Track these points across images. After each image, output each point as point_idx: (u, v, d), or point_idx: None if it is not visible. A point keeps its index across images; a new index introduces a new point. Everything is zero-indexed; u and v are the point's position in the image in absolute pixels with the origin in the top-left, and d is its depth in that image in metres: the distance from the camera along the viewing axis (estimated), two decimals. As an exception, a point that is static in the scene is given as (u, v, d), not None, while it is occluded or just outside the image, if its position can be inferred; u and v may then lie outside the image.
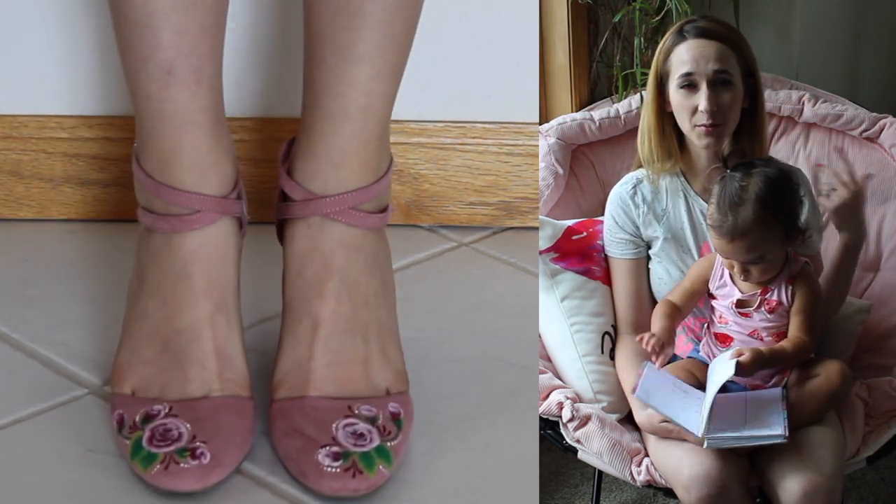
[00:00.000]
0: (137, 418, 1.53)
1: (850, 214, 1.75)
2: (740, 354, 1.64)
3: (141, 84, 1.51)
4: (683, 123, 1.75)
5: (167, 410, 1.53)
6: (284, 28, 1.92)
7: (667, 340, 1.70)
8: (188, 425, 1.51)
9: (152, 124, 1.53)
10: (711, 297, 1.74)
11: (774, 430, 1.61)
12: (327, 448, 1.50)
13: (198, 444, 1.50)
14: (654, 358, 1.69)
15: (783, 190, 1.67)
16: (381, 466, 1.49)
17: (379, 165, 1.59)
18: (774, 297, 1.70)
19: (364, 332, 1.57)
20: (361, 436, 1.51)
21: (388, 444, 1.52)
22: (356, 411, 1.54)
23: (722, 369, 1.64)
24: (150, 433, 1.51)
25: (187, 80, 1.50)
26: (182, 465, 1.48)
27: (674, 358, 1.82)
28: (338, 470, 1.48)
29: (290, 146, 1.61)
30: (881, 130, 2.08)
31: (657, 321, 1.73)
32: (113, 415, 1.56)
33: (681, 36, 1.75)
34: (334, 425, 1.52)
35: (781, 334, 1.71)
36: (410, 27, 1.55)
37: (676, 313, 1.74)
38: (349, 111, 1.55)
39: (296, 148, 1.59)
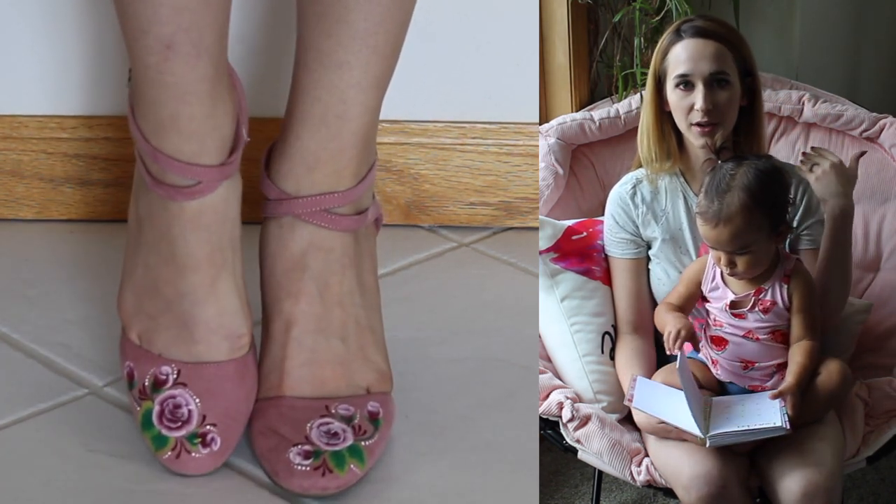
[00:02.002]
0: (147, 382, 1.55)
1: (832, 182, 1.72)
2: (778, 396, 1.63)
3: (139, 53, 1.48)
4: (680, 122, 1.75)
5: (175, 375, 1.54)
6: (283, 30, 1.92)
7: (690, 329, 1.67)
8: (197, 400, 1.53)
9: (150, 92, 1.50)
10: (705, 300, 1.74)
11: (775, 423, 1.61)
12: (299, 447, 1.51)
13: (208, 427, 1.52)
14: (682, 348, 1.66)
15: (772, 183, 1.67)
16: (352, 465, 1.50)
17: (357, 171, 1.58)
18: (768, 298, 1.70)
19: (341, 333, 1.58)
20: (335, 435, 1.52)
21: (363, 443, 1.53)
22: (333, 411, 1.55)
23: (763, 416, 1.63)
24: (159, 408, 1.54)
25: (187, 53, 1.47)
26: (193, 454, 1.51)
27: (672, 358, 1.82)
28: (308, 468, 1.49)
29: (272, 148, 1.61)
30: (881, 130, 2.08)
31: (670, 317, 1.70)
32: (123, 363, 1.58)
33: (678, 35, 1.75)
34: (308, 425, 1.53)
35: (777, 333, 1.70)
36: (396, 40, 1.54)
37: (679, 311, 1.74)
38: (325, 117, 1.54)
39: (274, 149, 1.59)
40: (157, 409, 1.54)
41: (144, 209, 1.56)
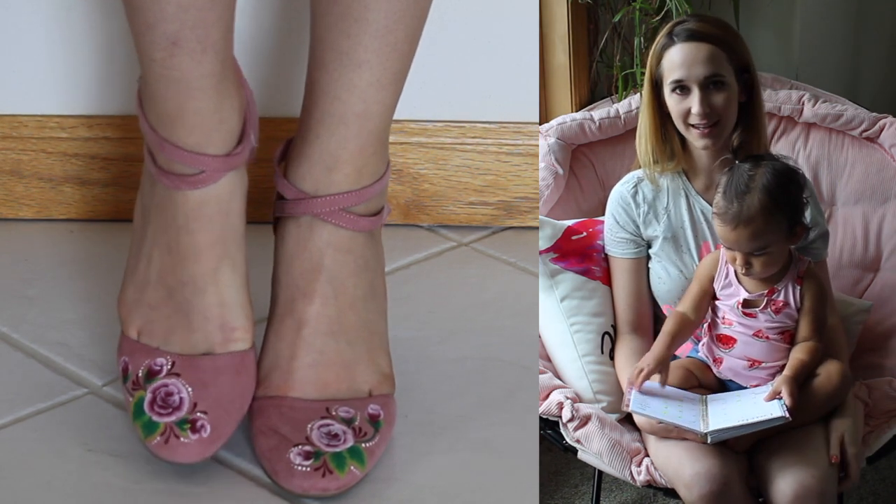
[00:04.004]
0: (140, 373, 1.54)
1: None
2: (777, 393, 1.64)
3: (145, 48, 1.49)
4: (679, 125, 1.75)
5: (170, 366, 1.54)
6: (285, 28, 1.92)
7: (656, 370, 1.68)
8: (189, 389, 1.52)
9: (157, 87, 1.50)
10: (715, 297, 1.74)
11: (774, 413, 1.61)
12: (299, 447, 1.51)
13: (198, 414, 1.51)
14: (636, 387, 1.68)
15: (789, 183, 1.68)
16: (352, 467, 1.50)
17: (375, 170, 1.58)
18: (781, 298, 1.70)
19: (350, 335, 1.58)
20: (335, 436, 1.52)
21: (363, 445, 1.53)
22: (333, 413, 1.54)
23: (762, 408, 1.63)
24: (151, 395, 1.53)
25: (193, 50, 1.47)
26: (182, 439, 1.50)
27: (673, 357, 1.82)
28: (308, 469, 1.49)
29: (287, 147, 1.61)
30: (881, 130, 2.08)
31: (656, 346, 1.71)
32: (119, 360, 1.58)
33: (670, 39, 1.75)
34: (309, 426, 1.53)
35: (787, 333, 1.71)
36: (413, 36, 1.54)
37: (686, 327, 1.73)
38: (345, 116, 1.54)
39: (291, 149, 1.59)
40: (149, 396, 1.53)
41: (149, 201, 1.56)
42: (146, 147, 1.56)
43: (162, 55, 1.47)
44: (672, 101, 1.74)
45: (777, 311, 1.70)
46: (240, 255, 1.57)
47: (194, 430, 1.50)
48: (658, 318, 1.85)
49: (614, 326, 1.85)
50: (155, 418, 1.51)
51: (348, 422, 1.54)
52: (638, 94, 2.09)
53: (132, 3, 1.47)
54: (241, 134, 1.55)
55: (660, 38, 1.76)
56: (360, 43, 1.51)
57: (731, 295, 1.72)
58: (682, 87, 1.73)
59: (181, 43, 1.46)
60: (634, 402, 1.66)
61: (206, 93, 1.50)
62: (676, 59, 1.73)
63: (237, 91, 1.54)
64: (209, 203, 1.54)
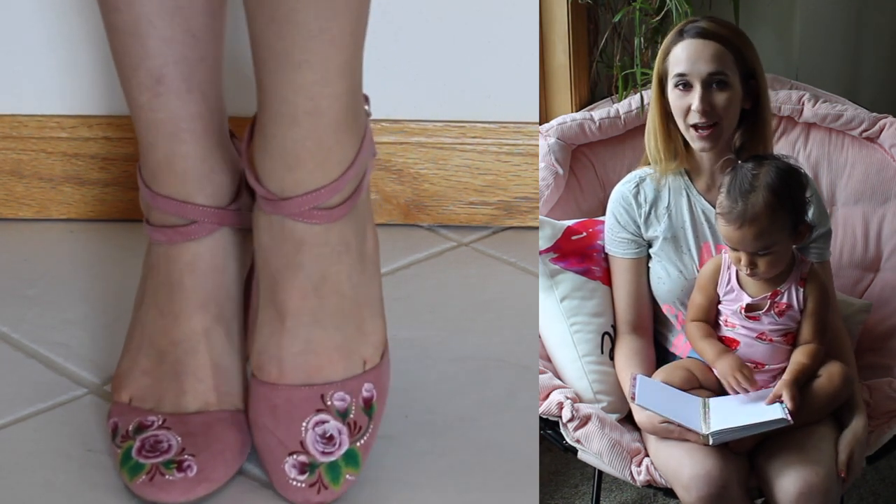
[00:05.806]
0: (130, 428, 1.53)
1: None
2: (777, 396, 1.64)
3: (133, 94, 1.50)
4: (679, 123, 1.75)
5: (160, 422, 1.53)
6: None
7: (746, 371, 1.69)
8: (179, 438, 1.51)
9: (146, 135, 1.52)
10: (717, 301, 1.74)
11: (776, 415, 1.61)
12: (294, 457, 1.49)
13: (185, 456, 1.49)
14: (751, 388, 1.68)
15: (793, 181, 1.68)
16: (348, 475, 1.50)
17: (340, 161, 1.51)
18: (784, 301, 1.70)
19: (336, 320, 1.54)
20: (330, 439, 1.51)
21: (358, 443, 1.52)
22: (328, 403, 1.52)
23: (764, 411, 1.64)
24: (140, 443, 1.51)
25: (178, 88, 1.49)
26: (167, 477, 1.48)
27: (672, 358, 1.82)
28: (303, 485, 1.48)
29: (251, 135, 1.55)
30: (881, 130, 2.08)
31: (722, 352, 1.71)
32: (109, 422, 1.56)
33: (680, 36, 1.75)
34: (304, 425, 1.51)
35: (790, 335, 1.71)
36: (356, 28, 1.46)
37: (713, 332, 1.74)
38: (296, 116, 1.47)
39: (253, 142, 1.53)
40: (137, 444, 1.51)
41: (148, 267, 1.57)
42: (144, 215, 1.56)
43: (148, 96, 1.48)
44: (674, 96, 1.74)
45: (780, 314, 1.70)
46: (235, 321, 1.56)
47: (180, 469, 1.48)
48: (658, 319, 1.85)
49: (614, 326, 1.85)
50: (141, 461, 1.49)
51: (343, 415, 1.52)
52: (638, 94, 2.10)
53: (118, 46, 1.49)
54: (236, 193, 1.55)
55: (670, 34, 1.76)
56: (295, 44, 1.43)
57: (734, 300, 1.72)
58: (684, 83, 1.73)
59: (166, 81, 1.48)
60: (639, 397, 1.66)
61: (194, 136, 1.51)
62: (682, 55, 1.73)
63: (229, 149, 1.55)
64: (202, 257, 1.54)
